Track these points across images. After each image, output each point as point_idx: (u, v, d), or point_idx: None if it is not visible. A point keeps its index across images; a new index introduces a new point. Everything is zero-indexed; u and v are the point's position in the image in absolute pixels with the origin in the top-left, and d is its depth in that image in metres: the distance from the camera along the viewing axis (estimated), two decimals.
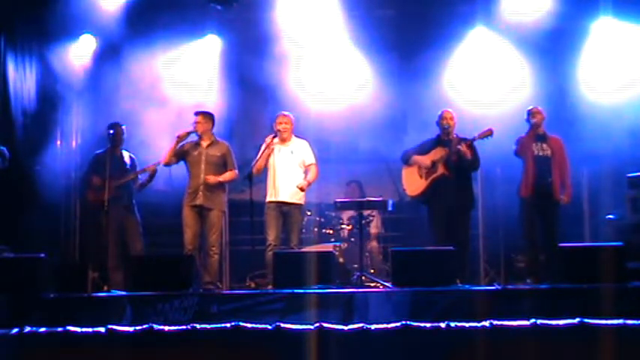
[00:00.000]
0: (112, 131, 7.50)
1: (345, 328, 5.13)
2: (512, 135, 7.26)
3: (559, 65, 8.42)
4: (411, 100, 8.52)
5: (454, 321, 5.10)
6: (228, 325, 5.21)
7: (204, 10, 8.67)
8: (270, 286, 6.40)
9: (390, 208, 7.69)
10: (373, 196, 7.80)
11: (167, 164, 7.35)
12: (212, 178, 7.17)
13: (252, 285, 7.52)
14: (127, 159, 7.69)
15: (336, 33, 8.79)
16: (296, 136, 7.47)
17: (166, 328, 5.25)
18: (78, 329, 5.25)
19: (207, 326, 5.25)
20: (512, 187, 7.25)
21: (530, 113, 7.20)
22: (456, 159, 7.05)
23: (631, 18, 8.37)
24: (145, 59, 8.63)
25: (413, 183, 7.28)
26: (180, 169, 7.44)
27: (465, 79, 8.69)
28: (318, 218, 8.33)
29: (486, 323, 5.05)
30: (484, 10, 8.61)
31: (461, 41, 8.73)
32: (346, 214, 8.38)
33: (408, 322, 5.11)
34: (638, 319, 4.98)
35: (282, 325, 5.18)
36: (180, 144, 7.31)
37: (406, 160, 7.34)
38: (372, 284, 7.17)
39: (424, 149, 7.30)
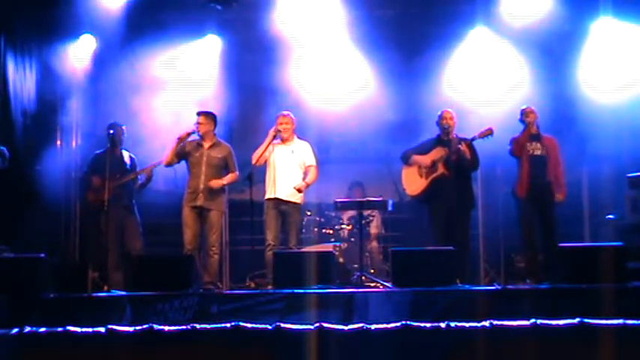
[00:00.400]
0: (111, 131, 7.50)
1: (345, 328, 5.13)
2: (512, 135, 7.26)
3: (559, 65, 8.42)
4: (412, 100, 8.51)
5: (454, 321, 5.10)
6: (228, 325, 5.21)
7: (204, 10, 8.67)
8: (270, 286, 6.40)
9: (390, 208, 7.69)
10: (373, 196, 7.80)
11: (168, 164, 7.35)
12: (215, 183, 7.17)
13: (252, 285, 7.51)
14: (126, 159, 7.68)
15: (337, 33, 8.79)
16: (298, 137, 7.46)
17: (166, 328, 5.25)
18: (78, 329, 5.26)
19: (207, 326, 5.25)
20: (512, 186, 7.24)
21: (524, 113, 7.20)
22: (456, 159, 7.06)
23: (631, 18, 8.37)
24: (145, 59, 8.63)
25: (413, 183, 7.29)
26: (184, 169, 7.43)
27: (465, 79, 8.69)
28: (318, 218, 8.33)
29: (486, 323, 5.05)
30: (484, 10, 8.61)
31: (461, 41, 8.73)
32: (346, 214, 8.39)
33: (408, 322, 5.11)
34: (638, 319, 4.98)
35: (282, 325, 5.18)
36: (182, 144, 7.30)
37: (406, 160, 7.34)
38: (372, 284, 7.17)
39: (424, 149, 7.30)
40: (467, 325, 5.07)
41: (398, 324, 5.11)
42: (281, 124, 7.33)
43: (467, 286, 6.25)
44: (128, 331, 5.25)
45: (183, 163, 7.38)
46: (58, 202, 8.42)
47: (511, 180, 7.29)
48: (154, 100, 8.57)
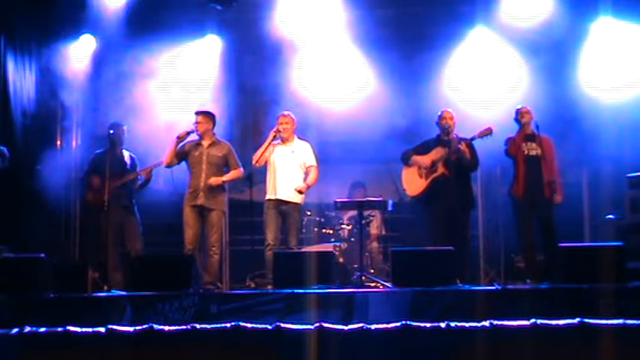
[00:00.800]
0: (112, 131, 7.49)
1: (345, 328, 5.13)
2: (512, 134, 7.25)
3: (559, 65, 8.41)
4: (412, 100, 8.51)
5: (454, 321, 5.10)
6: (228, 325, 5.22)
7: (204, 10, 8.67)
8: (270, 286, 6.40)
9: (390, 208, 7.69)
10: (373, 196, 7.81)
11: (168, 165, 7.35)
12: (215, 180, 7.17)
13: (252, 285, 7.52)
14: (127, 159, 7.68)
15: (337, 33, 8.79)
16: (298, 137, 7.47)
17: (166, 328, 5.26)
18: (78, 329, 5.26)
19: (207, 326, 5.25)
20: (508, 187, 7.24)
21: (520, 113, 7.19)
22: (456, 158, 7.06)
23: (631, 18, 8.37)
24: (145, 59, 8.63)
25: (413, 183, 7.29)
26: (181, 169, 7.44)
27: (465, 79, 8.70)
28: (318, 218, 8.33)
29: (486, 323, 5.06)
30: (484, 10, 8.61)
31: (461, 41, 8.73)
32: (346, 214, 8.39)
33: (408, 322, 5.11)
34: (638, 319, 4.98)
35: (282, 325, 5.18)
36: (181, 144, 7.31)
37: (406, 160, 7.34)
38: (372, 284, 7.17)
39: (424, 149, 7.31)
40: (467, 325, 5.07)
41: (398, 324, 5.11)
42: (281, 124, 7.33)
43: (467, 286, 6.25)
44: (128, 331, 5.25)
45: (183, 164, 7.39)
46: (58, 202, 8.42)
47: (511, 180, 7.28)
48: (154, 99, 8.57)
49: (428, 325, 5.11)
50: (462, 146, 7.03)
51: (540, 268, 6.96)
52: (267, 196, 7.26)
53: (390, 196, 8.02)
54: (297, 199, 7.26)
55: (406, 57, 8.61)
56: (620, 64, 8.38)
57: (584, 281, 5.67)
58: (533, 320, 5.03)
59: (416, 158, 7.29)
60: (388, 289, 6.35)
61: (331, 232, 8.30)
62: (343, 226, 8.27)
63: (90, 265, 6.48)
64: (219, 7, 8.58)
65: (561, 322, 5.00)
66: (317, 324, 5.15)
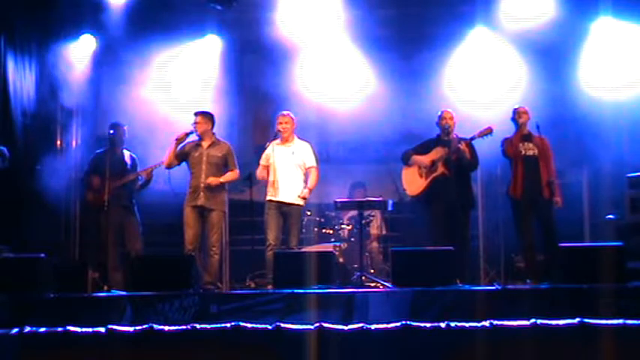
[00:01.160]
0: (112, 131, 7.50)
1: (345, 328, 5.14)
2: (509, 135, 7.25)
3: (559, 65, 8.42)
4: (412, 100, 8.51)
5: (454, 321, 5.10)
6: (228, 325, 5.22)
7: (204, 10, 8.67)
8: (270, 286, 6.40)
9: (390, 208, 7.69)
10: (373, 196, 7.81)
11: (169, 166, 7.35)
12: (214, 180, 7.17)
13: (252, 285, 7.52)
14: (127, 159, 7.68)
15: (337, 33, 8.80)
16: (298, 137, 7.47)
17: (166, 328, 5.26)
18: (78, 329, 5.26)
19: (207, 326, 5.26)
20: (505, 187, 7.24)
21: (517, 113, 7.17)
22: (456, 158, 7.05)
23: (631, 18, 8.37)
24: (145, 59, 8.63)
25: (413, 183, 7.29)
26: (180, 169, 7.44)
27: (465, 79, 8.70)
28: (318, 218, 8.33)
29: (486, 323, 5.06)
30: (484, 10, 8.61)
31: (461, 41, 8.73)
32: (346, 214, 8.39)
33: (408, 322, 5.11)
34: (638, 319, 4.98)
35: (282, 325, 5.19)
36: (181, 145, 7.31)
37: (406, 160, 7.34)
38: (372, 284, 7.17)
39: (424, 149, 7.31)
40: (467, 325, 5.08)
41: (398, 324, 5.11)
42: (281, 123, 7.33)
43: (467, 286, 6.25)
44: (128, 331, 5.25)
45: (184, 164, 7.39)
46: (58, 202, 8.41)
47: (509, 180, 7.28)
48: (154, 100, 8.57)
49: (428, 325, 5.11)
50: (462, 146, 7.03)
51: (540, 268, 6.96)
52: (268, 197, 7.26)
53: (390, 196, 8.02)
54: (299, 200, 7.26)
55: (406, 57, 8.61)
56: (620, 64, 8.38)
57: (584, 281, 5.67)
58: (533, 320, 5.03)
59: (416, 158, 7.29)
60: (388, 289, 6.34)
61: (331, 232, 8.30)
62: (343, 226, 8.27)
63: (90, 265, 6.48)
64: (219, 7, 8.58)
65: (561, 322, 5.00)
66: (317, 324, 5.15)
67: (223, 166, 7.33)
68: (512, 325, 5.04)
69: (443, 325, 5.08)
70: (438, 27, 8.59)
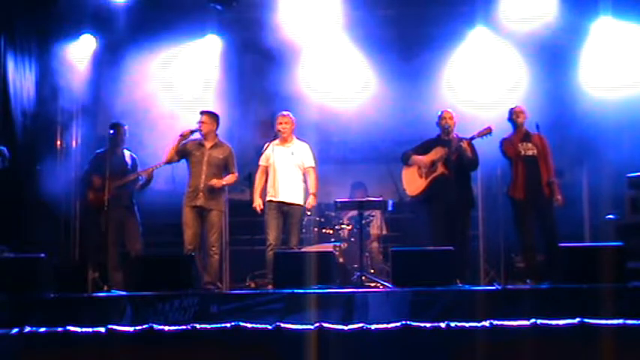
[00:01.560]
0: (112, 131, 7.48)
1: (345, 328, 5.13)
2: (507, 135, 7.24)
3: (559, 65, 8.41)
4: (412, 100, 8.51)
5: (454, 321, 5.10)
6: (228, 325, 5.22)
7: (204, 10, 8.67)
8: (270, 286, 6.40)
9: (390, 208, 7.70)
10: (373, 196, 7.81)
11: (169, 162, 7.35)
12: (217, 182, 7.17)
13: (252, 285, 7.53)
14: (127, 159, 7.67)
15: (337, 33, 8.79)
16: (297, 137, 7.47)
17: (166, 328, 5.26)
18: (78, 329, 5.26)
19: (207, 326, 5.26)
20: (506, 188, 7.24)
21: (515, 113, 7.16)
22: (456, 157, 7.06)
23: (631, 18, 8.36)
24: (145, 59, 8.63)
25: (413, 183, 7.29)
26: (183, 169, 7.44)
27: (465, 79, 8.69)
28: (318, 218, 8.33)
29: (486, 323, 5.06)
30: (484, 10, 8.61)
31: (461, 41, 8.73)
32: (346, 214, 8.39)
33: (408, 322, 5.11)
34: (638, 319, 4.98)
35: (282, 325, 5.19)
36: (183, 142, 7.31)
37: (406, 160, 7.35)
38: (372, 284, 7.17)
39: (424, 149, 7.31)
40: (467, 325, 5.08)
41: (398, 324, 5.11)
42: (280, 123, 7.34)
43: (467, 286, 6.25)
44: (128, 331, 5.25)
45: (183, 162, 7.39)
46: (58, 202, 8.41)
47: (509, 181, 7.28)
48: (154, 99, 8.57)
49: (428, 325, 5.11)
50: (464, 143, 7.03)
51: (540, 268, 6.95)
52: (268, 197, 7.26)
53: (390, 196, 8.03)
54: (299, 200, 7.27)
55: (406, 57, 8.61)
56: (620, 64, 8.37)
57: (584, 281, 5.67)
58: (533, 320, 5.03)
59: (416, 158, 7.30)
60: (388, 289, 6.35)
61: (331, 232, 8.30)
62: (343, 226, 8.27)
63: (90, 265, 6.49)
64: (219, 7, 8.58)
65: (561, 322, 5.00)
66: (317, 324, 5.15)
67: (223, 168, 7.33)
68: (512, 325, 5.04)
69: (443, 325, 5.07)
70: (438, 27, 8.58)
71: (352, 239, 8.13)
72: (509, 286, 6.72)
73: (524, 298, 5.60)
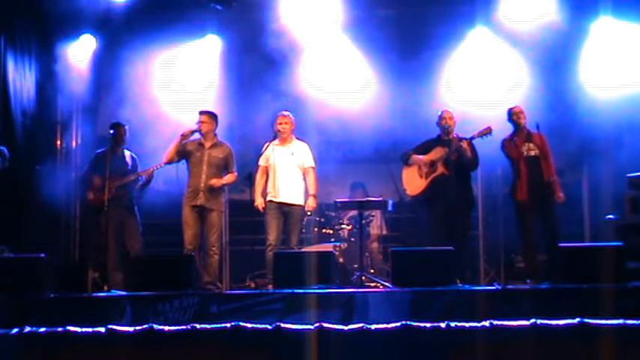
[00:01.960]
0: (112, 131, 7.48)
1: (345, 328, 5.13)
2: (506, 136, 7.24)
3: (559, 65, 8.41)
4: (412, 100, 8.51)
5: (454, 321, 5.10)
6: (228, 325, 5.21)
7: (204, 10, 8.67)
8: (270, 286, 6.40)
9: (390, 208, 7.71)
10: (373, 196, 7.81)
11: (169, 162, 7.35)
12: (217, 182, 7.19)
13: (252, 285, 7.52)
14: (128, 159, 7.67)
15: (337, 33, 8.80)
16: (297, 138, 7.47)
17: (166, 328, 5.26)
18: (78, 329, 5.26)
19: (207, 326, 5.25)
20: (508, 189, 7.23)
21: (515, 113, 7.14)
22: (456, 157, 7.06)
23: (631, 18, 8.36)
24: (145, 59, 8.63)
25: (413, 183, 7.30)
26: (184, 170, 7.44)
27: (465, 79, 8.69)
28: (318, 218, 8.33)
29: (486, 323, 5.05)
30: (484, 10, 8.61)
31: (461, 41, 8.73)
32: (346, 214, 8.39)
33: (408, 322, 5.11)
34: (638, 319, 4.98)
35: (282, 325, 5.18)
36: (183, 142, 7.31)
37: (406, 161, 7.35)
38: (372, 284, 7.17)
39: (424, 149, 7.32)
40: (467, 325, 5.07)
41: (398, 324, 5.11)
42: (280, 124, 7.34)
43: (467, 286, 6.25)
44: (128, 331, 5.25)
45: (183, 162, 7.39)
46: (58, 202, 8.41)
47: (511, 180, 7.27)
48: (154, 99, 8.57)
49: (428, 325, 5.10)
50: (464, 143, 7.03)
51: (541, 268, 6.95)
52: (269, 198, 7.27)
53: (390, 196, 8.02)
54: (300, 200, 7.27)
55: (406, 57, 8.61)
56: (620, 64, 8.37)
57: (585, 281, 5.67)
58: (533, 320, 5.02)
59: (416, 158, 7.30)
60: (388, 289, 6.35)
61: (331, 232, 8.31)
62: (343, 226, 8.27)
63: (90, 265, 6.48)
64: (219, 7, 8.59)
65: (561, 322, 5.00)
66: (317, 324, 5.15)
67: (223, 168, 7.33)
68: (512, 325, 5.04)
69: (443, 325, 5.07)
70: (438, 27, 8.57)
71: (352, 239, 8.13)
72: (509, 286, 6.71)
73: (524, 298, 5.60)
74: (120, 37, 8.57)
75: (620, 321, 4.98)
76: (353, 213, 8.11)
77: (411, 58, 8.58)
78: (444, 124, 7.21)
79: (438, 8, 8.64)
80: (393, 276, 6.17)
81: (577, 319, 5.00)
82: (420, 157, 7.28)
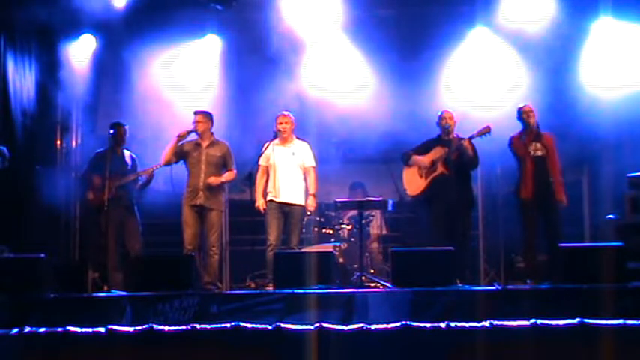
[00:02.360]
0: (112, 131, 7.48)
1: (345, 328, 5.13)
2: (513, 133, 7.24)
3: (559, 65, 8.41)
4: (412, 100, 8.51)
5: (454, 321, 5.10)
6: (228, 325, 5.22)
7: (204, 10, 8.67)
8: (270, 286, 6.41)
9: (390, 208, 7.71)
10: (373, 196, 7.81)
11: (167, 163, 7.35)
12: (214, 180, 7.19)
13: (252, 285, 7.52)
14: (127, 159, 7.67)
15: (337, 33, 8.80)
16: (297, 137, 7.47)
17: (166, 328, 5.26)
18: (78, 329, 5.26)
19: (207, 326, 5.25)
20: (512, 187, 7.23)
21: (524, 112, 7.12)
22: (456, 157, 7.06)
23: (631, 18, 8.36)
24: (145, 59, 8.63)
25: (413, 183, 7.30)
26: (181, 169, 7.44)
27: (465, 79, 8.69)
28: (318, 218, 8.33)
29: (486, 323, 5.06)
30: (484, 10, 8.61)
31: (461, 41, 8.73)
32: (346, 214, 8.39)
33: (408, 322, 5.11)
34: (638, 319, 4.98)
35: (282, 325, 5.18)
36: (180, 143, 7.32)
37: (406, 161, 7.35)
38: (372, 284, 7.17)
39: (424, 149, 7.32)
40: (467, 325, 5.07)
41: (398, 324, 5.11)
42: (280, 123, 7.34)
43: (467, 286, 6.25)
44: (128, 331, 5.25)
45: (181, 164, 7.39)
46: (58, 201, 8.41)
47: (511, 180, 7.27)
48: (154, 99, 8.57)
49: (428, 325, 5.10)
50: (465, 142, 7.03)
51: (542, 269, 6.95)
52: (269, 198, 7.27)
53: (390, 196, 8.02)
54: (300, 200, 7.27)
55: (406, 57, 8.60)
56: (620, 64, 8.37)
57: (585, 281, 5.67)
58: (533, 320, 5.03)
59: (416, 158, 7.30)
60: (388, 289, 6.35)
61: (331, 232, 8.31)
62: (343, 226, 8.27)
63: (90, 265, 6.48)
64: (219, 7, 8.59)
65: (561, 322, 5.00)
66: (317, 324, 5.15)
67: (222, 166, 7.34)
68: (512, 325, 5.04)
69: (443, 325, 5.07)
70: (438, 27, 8.57)
71: (352, 239, 8.13)
72: (509, 286, 6.72)
73: (524, 298, 5.60)
74: (120, 37, 8.56)
75: (620, 321, 4.98)
76: (353, 213, 8.11)
77: (411, 58, 8.58)
78: (444, 124, 7.21)
79: (438, 8, 8.63)
80: (393, 276, 6.17)
81: (577, 319, 5.00)
82: (420, 157, 7.29)
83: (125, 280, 7.10)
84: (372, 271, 7.85)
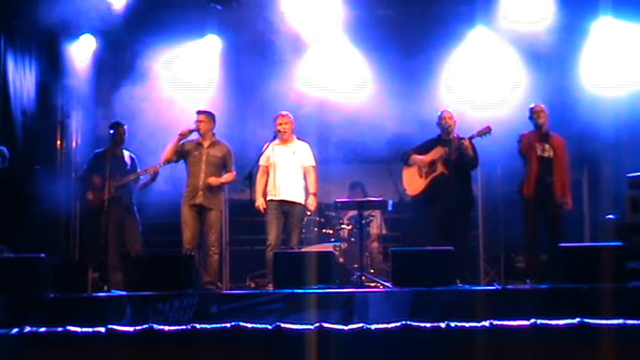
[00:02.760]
0: (112, 131, 7.49)
1: (345, 328, 5.14)
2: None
3: (559, 65, 8.41)
4: (411, 100, 8.51)
5: (454, 321, 5.10)
6: (228, 325, 5.22)
7: (204, 10, 8.68)
8: (270, 286, 6.41)
9: (390, 208, 7.70)
10: (373, 196, 7.81)
11: (167, 162, 7.35)
12: (215, 180, 7.19)
13: (252, 285, 7.52)
14: (127, 159, 7.67)
15: (337, 33, 8.80)
16: (297, 137, 7.47)
17: (166, 328, 5.26)
18: (78, 329, 5.26)
19: (207, 326, 5.26)
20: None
21: (535, 112, 7.12)
22: (456, 157, 7.06)
23: (631, 18, 8.36)
24: (145, 59, 8.63)
25: (413, 183, 7.30)
26: (181, 169, 7.44)
27: (465, 79, 8.69)
28: (318, 218, 8.33)
29: (486, 323, 5.06)
30: (484, 10, 8.61)
31: (461, 41, 8.73)
32: (346, 214, 8.39)
33: (408, 322, 5.11)
34: (638, 319, 4.98)
35: (282, 325, 5.19)
36: (181, 142, 7.32)
37: (406, 161, 7.35)
38: (372, 284, 7.17)
39: (424, 149, 7.32)
40: (467, 325, 5.08)
41: (398, 324, 5.11)
42: (280, 124, 7.34)
43: (467, 286, 6.25)
44: (128, 331, 5.25)
45: (181, 163, 7.39)
46: (58, 201, 8.41)
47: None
48: (154, 99, 8.57)
49: (428, 325, 5.11)
50: (466, 141, 7.03)
51: (542, 269, 6.95)
52: (269, 197, 7.27)
53: (390, 196, 8.02)
54: (300, 199, 7.27)
55: (406, 57, 8.60)
56: (620, 63, 8.38)
57: (585, 281, 5.67)
58: (533, 320, 5.03)
59: (415, 158, 7.30)
60: (388, 289, 6.35)
61: (331, 232, 8.31)
62: (343, 226, 8.27)
63: (90, 265, 6.48)
64: (219, 7, 8.59)
65: (561, 322, 5.00)
66: (317, 324, 5.15)
67: (222, 167, 7.34)
68: (512, 325, 5.04)
69: (443, 325, 5.08)
70: (438, 27, 8.58)
71: (352, 239, 8.13)
72: (509, 286, 6.72)
73: (524, 298, 5.60)
74: (120, 37, 8.56)
75: (620, 321, 4.98)
76: (353, 213, 8.11)
77: (411, 58, 8.58)
78: (444, 124, 7.21)
79: (438, 8, 8.63)
80: (393, 276, 6.17)
81: (577, 319, 5.00)
82: (420, 157, 7.29)
83: (125, 280, 7.11)
84: (372, 271, 7.85)
